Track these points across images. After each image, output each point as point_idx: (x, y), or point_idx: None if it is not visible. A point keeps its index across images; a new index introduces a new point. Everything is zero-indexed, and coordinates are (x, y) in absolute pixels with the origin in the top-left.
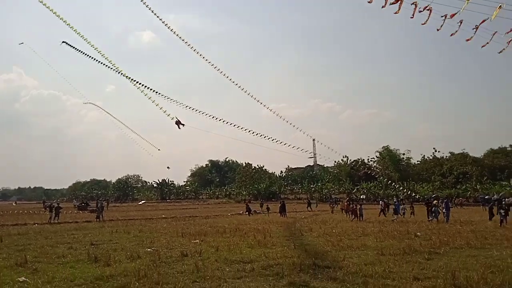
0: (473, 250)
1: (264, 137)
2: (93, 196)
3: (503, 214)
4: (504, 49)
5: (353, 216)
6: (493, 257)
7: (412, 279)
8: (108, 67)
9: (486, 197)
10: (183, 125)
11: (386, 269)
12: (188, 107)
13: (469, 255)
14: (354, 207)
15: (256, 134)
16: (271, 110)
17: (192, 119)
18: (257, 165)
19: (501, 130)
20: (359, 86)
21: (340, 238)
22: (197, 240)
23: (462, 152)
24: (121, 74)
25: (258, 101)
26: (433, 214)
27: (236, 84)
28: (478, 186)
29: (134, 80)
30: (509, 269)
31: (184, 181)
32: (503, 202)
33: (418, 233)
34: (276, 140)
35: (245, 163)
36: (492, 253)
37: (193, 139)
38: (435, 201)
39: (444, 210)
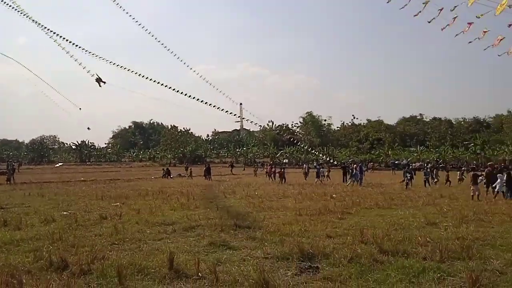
0: (381, 210)
1: (189, 96)
2: (3, 158)
3: (408, 177)
4: (434, 18)
5: (279, 179)
6: (397, 216)
7: (325, 237)
8: (21, 13)
9: (396, 162)
10: (104, 82)
11: (302, 228)
12: (110, 62)
13: (377, 214)
14: (281, 170)
15: (181, 93)
16: (194, 71)
17: (115, 78)
18: (183, 128)
19: (413, 99)
20: (287, 52)
21: (261, 200)
22: (118, 203)
23: (377, 119)
24: (35, 22)
25: (182, 61)
26: (353, 178)
27: (162, 44)
28: (390, 152)
29: (50, 30)
30: (410, 227)
31: (105, 143)
32: (410, 167)
33: (333, 195)
34: (202, 101)
35: (171, 125)
36: (397, 212)
37: (116, 99)
38: (355, 165)
39: (358, 174)
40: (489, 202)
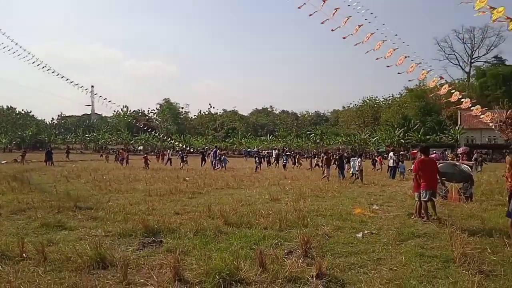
0: (230, 190)
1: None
2: None
3: (257, 161)
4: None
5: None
6: (245, 194)
7: (173, 213)
8: None
9: (248, 150)
10: None
11: (150, 207)
12: None
13: (226, 193)
14: (145, 155)
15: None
16: (29, 53)
17: None
18: (23, 110)
19: (265, 92)
20: (146, 36)
21: (109, 183)
22: None
23: (233, 109)
24: None
25: (12, 41)
26: (214, 162)
27: None
28: (243, 140)
29: None
30: (256, 203)
31: None
32: (261, 154)
33: (187, 178)
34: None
35: (7, 106)
36: (245, 192)
37: None
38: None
39: (212, 159)
40: (325, 182)
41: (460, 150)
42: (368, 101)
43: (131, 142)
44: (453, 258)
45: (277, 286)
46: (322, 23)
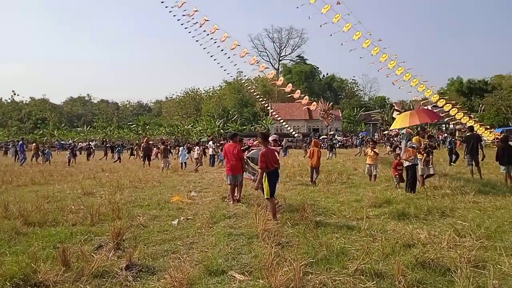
0: (36, 186)
1: None
2: None
3: (69, 155)
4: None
5: None
6: (54, 190)
7: None
8: None
9: (62, 142)
10: None
11: None
12: None
13: (31, 190)
14: None
15: None
16: None
17: None
18: None
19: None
20: None
21: None
22: None
23: (42, 97)
24: None
25: None
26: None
27: None
28: (55, 132)
29: None
30: (65, 198)
31: None
32: (76, 147)
33: None
34: None
35: None
36: (54, 187)
37: None
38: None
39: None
40: (145, 172)
41: (271, 138)
42: (190, 92)
43: None
44: (256, 234)
45: (81, 284)
46: None
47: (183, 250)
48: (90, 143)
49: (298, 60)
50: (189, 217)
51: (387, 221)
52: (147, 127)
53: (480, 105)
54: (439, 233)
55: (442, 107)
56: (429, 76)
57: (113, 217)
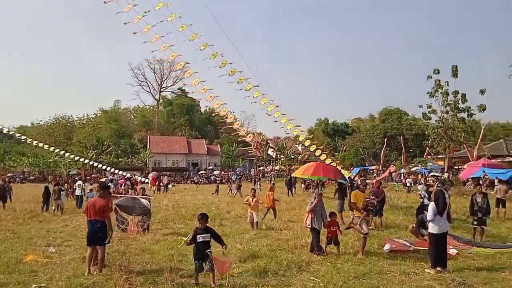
0: None
1: None
2: None
3: None
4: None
5: None
6: None
7: None
8: None
9: None
10: None
11: None
12: None
13: None
14: None
15: None
16: None
17: None
18: None
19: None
20: None
21: None
22: None
23: None
24: None
25: None
26: None
27: None
28: None
29: None
30: None
31: None
32: None
33: None
34: None
35: None
36: None
37: None
38: None
39: None
40: None
41: (150, 176)
42: (61, 119)
43: None
44: None
45: None
46: None
47: None
48: None
49: (180, 93)
50: (42, 285)
51: (249, 279)
52: (7, 156)
53: (342, 146)
54: None
55: (309, 146)
56: (303, 114)
57: None
